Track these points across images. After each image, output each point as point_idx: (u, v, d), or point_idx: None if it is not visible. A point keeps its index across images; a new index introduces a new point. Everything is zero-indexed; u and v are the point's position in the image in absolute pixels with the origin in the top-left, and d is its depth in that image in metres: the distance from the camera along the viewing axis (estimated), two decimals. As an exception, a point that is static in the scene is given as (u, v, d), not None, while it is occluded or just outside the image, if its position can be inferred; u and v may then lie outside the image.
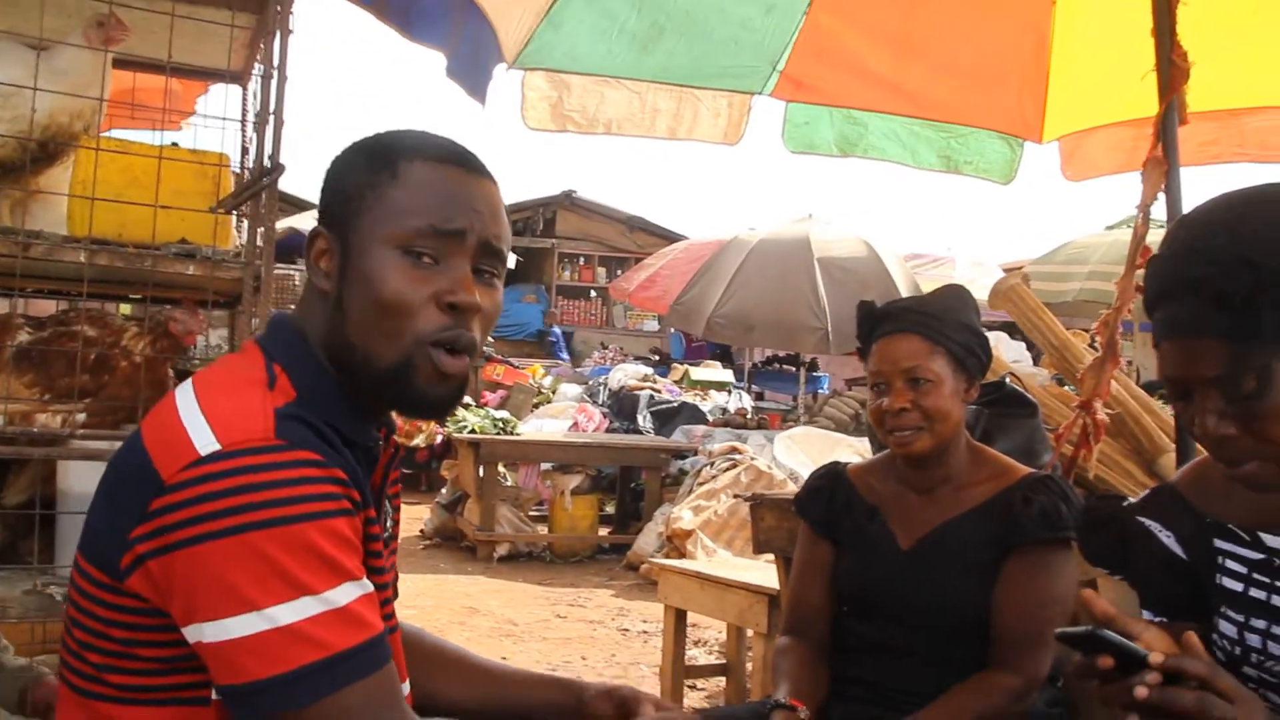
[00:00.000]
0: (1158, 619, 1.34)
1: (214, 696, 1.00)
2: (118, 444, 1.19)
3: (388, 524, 1.21)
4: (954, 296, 1.85)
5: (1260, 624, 1.21)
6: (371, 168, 1.11)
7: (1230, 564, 1.27)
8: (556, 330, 14.21)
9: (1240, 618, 1.24)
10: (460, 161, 1.13)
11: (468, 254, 1.10)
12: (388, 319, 1.07)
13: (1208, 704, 0.98)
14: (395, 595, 1.30)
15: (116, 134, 2.85)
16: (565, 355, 13.52)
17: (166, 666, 1.01)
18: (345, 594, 0.98)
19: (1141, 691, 0.98)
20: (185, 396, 1.04)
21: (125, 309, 3.76)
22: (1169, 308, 1.13)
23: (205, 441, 0.98)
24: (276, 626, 0.94)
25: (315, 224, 1.14)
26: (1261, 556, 1.24)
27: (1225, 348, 1.07)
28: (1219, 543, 1.28)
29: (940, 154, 3.26)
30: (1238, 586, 1.25)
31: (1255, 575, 1.24)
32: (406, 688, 1.17)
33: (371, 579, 1.04)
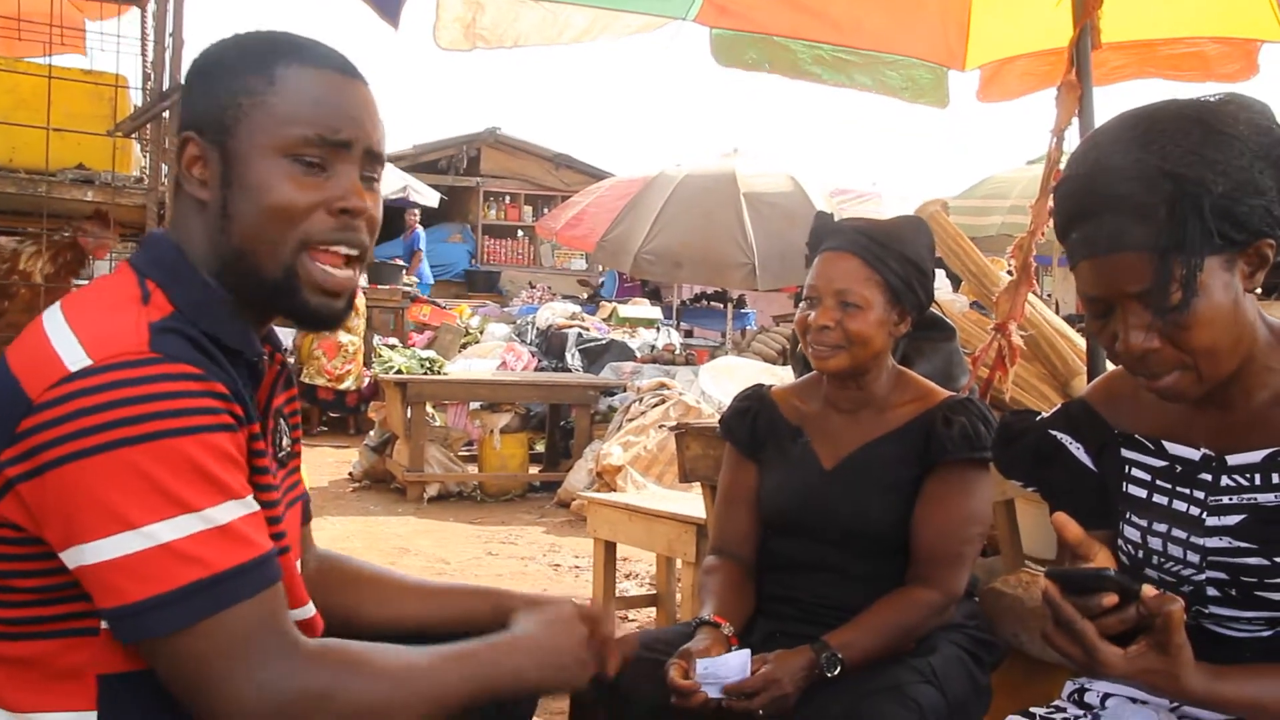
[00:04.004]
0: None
1: (102, 626, 0.98)
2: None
3: (283, 442, 1.19)
4: (909, 227, 1.84)
5: (1161, 528, 1.26)
6: (246, 72, 1.08)
7: (1136, 472, 1.31)
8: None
9: (1143, 522, 1.28)
10: (337, 67, 1.11)
11: (355, 161, 1.10)
12: (275, 225, 1.06)
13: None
14: (308, 517, 1.28)
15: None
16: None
17: (47, 596, 0.97)
18: (227, 512, 0.95)
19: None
20: (53, 318, 1.01)
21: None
22: (1086, 227, 1.14)
23: (75, 358, 0.94)
24: (155, 545, 0.91)
25: (182, 128, 1.10)
26: (1164, 464, 1.28)
27: (1149, 261, 1.09)
28: (1126, 452, 1.32)
29: (874, 78, 3.25)
30: (1142, 493, 1.30)
31: (1158, 482, 1.28)
32: (310, 610, 1.15)
33: (259, 497, 1.01)
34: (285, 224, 1.06)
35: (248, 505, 0.98)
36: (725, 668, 1.55)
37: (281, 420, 1.19)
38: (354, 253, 1.11)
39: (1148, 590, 1.04)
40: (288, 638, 0.99)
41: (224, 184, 1.07)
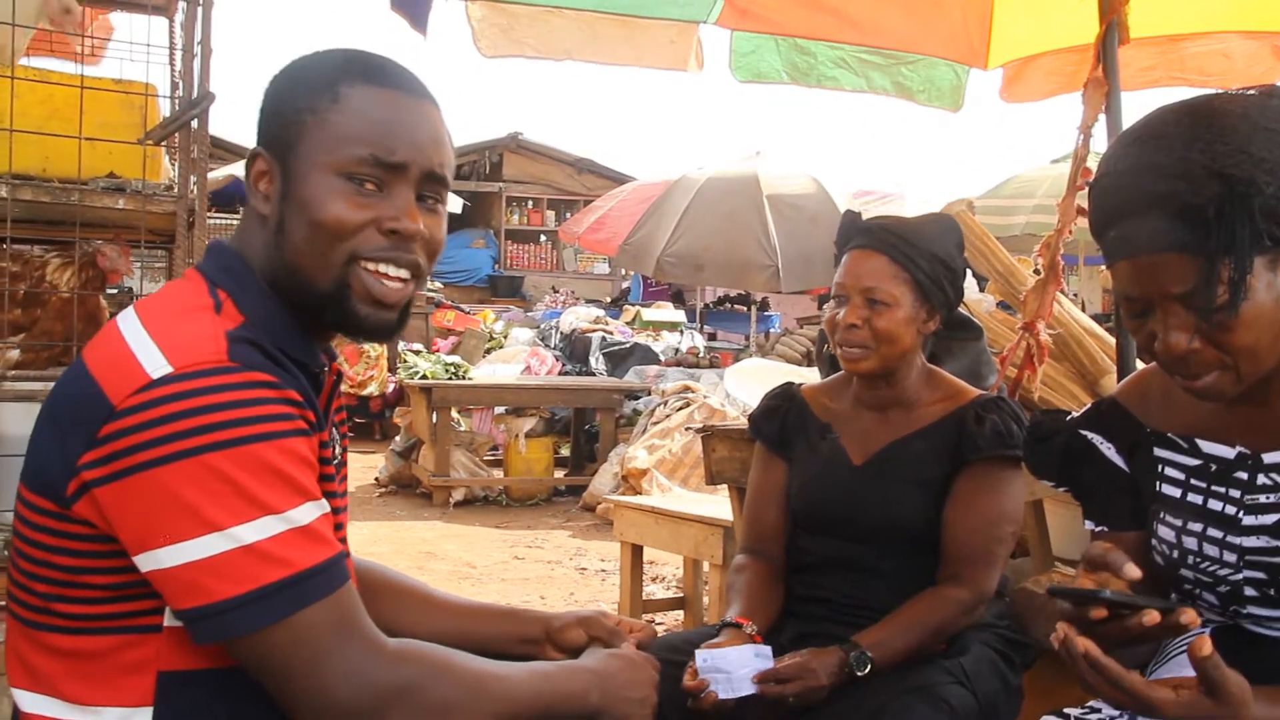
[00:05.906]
0: (1098, 528, 1.37)
1: (165, 624, 1.00)
2: (51, 384, 1.17)
3: (336, 450, 1.20)
4: (937, 225, 1.83)
5: (1196, 527, 1.24)
6: (312, 90, 1.09)
7: (1169, 471, 1.29)
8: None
9: (1178, 522, 1.26)
10: (401, 86, 1.11)
11: (411, 183, 1.10)
12: (324, 241, 1.07)
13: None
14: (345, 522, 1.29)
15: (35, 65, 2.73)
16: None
17: (115, 594, 1.00)
18: (306, 513, 0.98)
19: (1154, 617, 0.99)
20: (130, 323, 1.03)
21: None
22: (1126, 225, 1.11)
23: (156, 365, 0.96)
24: (241, 545, 0.94)
25: (255, 144, 1.12)
26: (1198, 462, 1.27)
27: (1194, 262, 1.06)
28: (1159, 451, 1.31)
29: (893, 81, 3.24)
30: (1176, 492, 1.28)
31: (1192, 480, 1.27)
32: None
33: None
34: (333, 239, 1.06)
35: (322, 507, 1.01)
36: (726, 660, 1.54)
37: (333, 429, 1.21)
38: (403, 273, 1.10)
39: (1192, 615, 0.99)
40: (371, 634, 1.01)
41: (282, 199, 1.09)
